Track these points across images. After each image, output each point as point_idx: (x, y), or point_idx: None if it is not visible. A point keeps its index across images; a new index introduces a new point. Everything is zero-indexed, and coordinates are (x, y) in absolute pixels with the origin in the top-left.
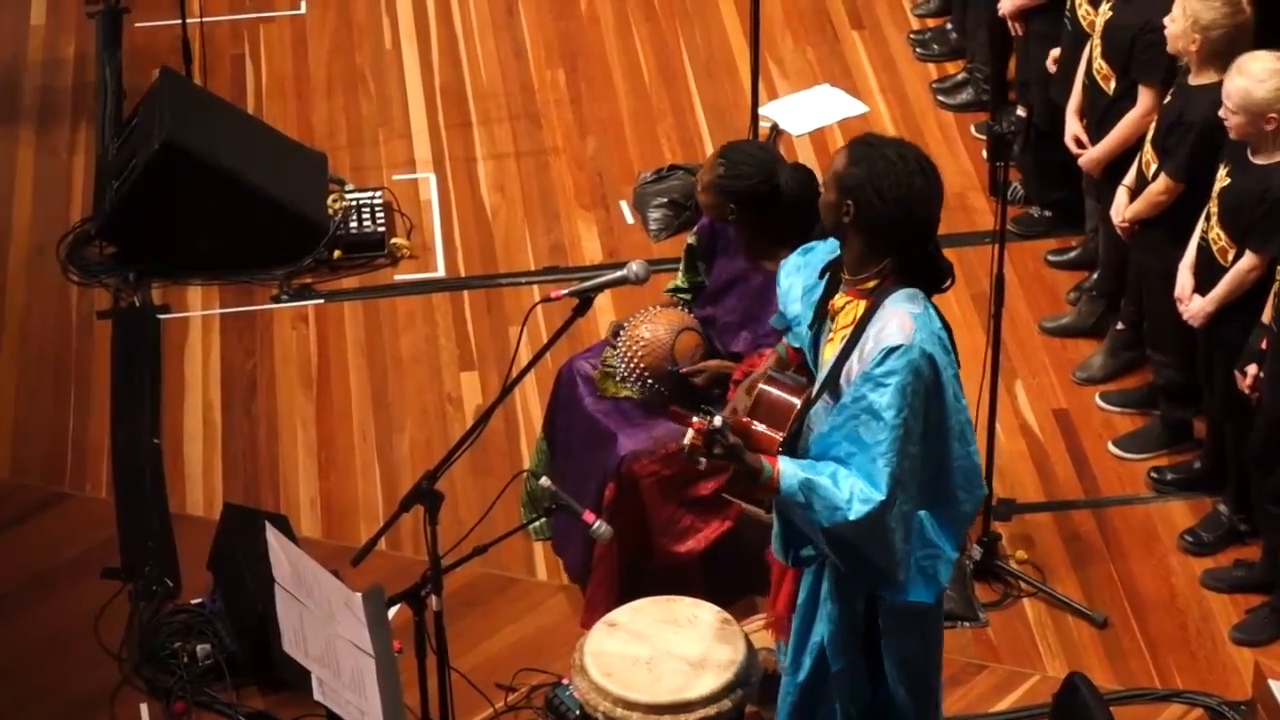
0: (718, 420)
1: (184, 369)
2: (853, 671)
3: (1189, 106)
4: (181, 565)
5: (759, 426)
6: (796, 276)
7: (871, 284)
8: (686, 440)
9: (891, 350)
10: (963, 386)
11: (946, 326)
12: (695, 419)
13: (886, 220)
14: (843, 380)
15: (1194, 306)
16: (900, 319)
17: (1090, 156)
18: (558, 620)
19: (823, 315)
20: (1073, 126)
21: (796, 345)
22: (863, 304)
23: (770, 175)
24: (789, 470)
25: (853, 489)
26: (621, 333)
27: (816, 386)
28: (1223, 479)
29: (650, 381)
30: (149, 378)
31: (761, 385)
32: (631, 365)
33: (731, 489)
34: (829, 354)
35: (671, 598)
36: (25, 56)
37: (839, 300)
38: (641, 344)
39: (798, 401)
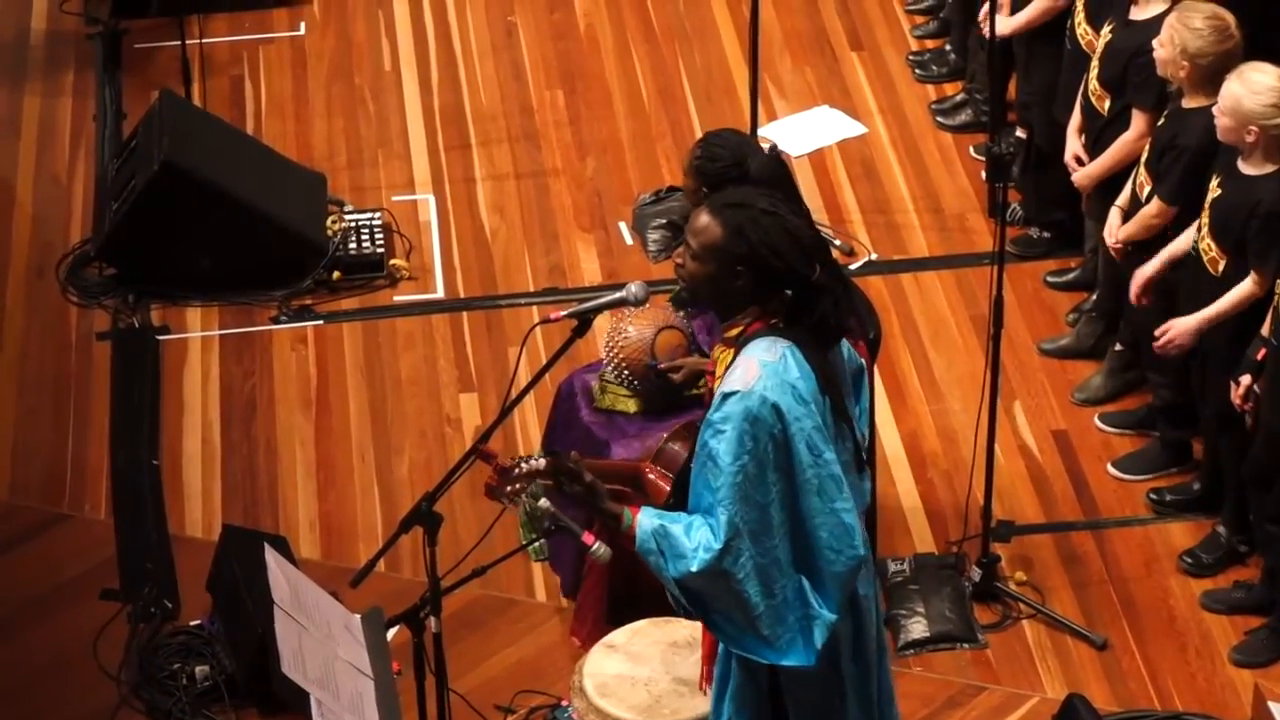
0: (536, 461)
1: (183, 390)
2: None
3: (1182, 130)
4: (180, 586)
5: (653, 475)
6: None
7: (735, 332)
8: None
9: (727, 396)
10: (827, 439)
11: (823, 377)
12: (499, 460)
13: (785, 271)
14: None
15: (1180, 325)
16: (746, 366)
17: (1085, 173)
18: (557, 642)
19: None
20: (1073, 145)
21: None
22: (731, 353)
23: (740, 159)
24: (646, 520)
25: (700, 539)
26: (609, 330)
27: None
28: (1222, 500)
29: (630, 377)
30: (148, 399)
31: (666, 437)
32: (614, 360)
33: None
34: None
35: (669, 619)
36: (24, 76)
37: (717, 350)
38: (624, 338)
39: (686, 453)
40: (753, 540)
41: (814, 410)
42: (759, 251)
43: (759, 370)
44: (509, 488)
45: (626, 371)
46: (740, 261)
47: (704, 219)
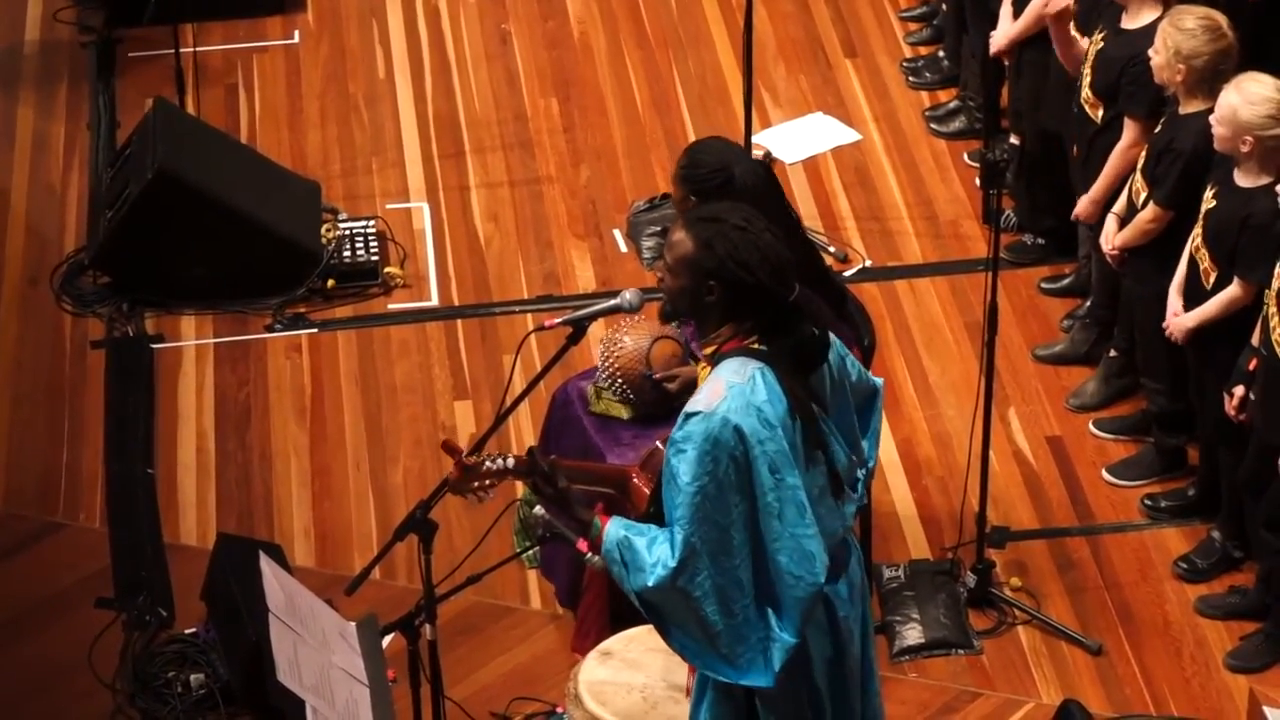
0: (506, 460)
1: (178, 398)
2: None
3: (1178, 135)
4: (175, 595)
5: (639, 482)
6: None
7: (710, 350)
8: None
9: (691, 415)
10: (792, 463)
11: (796, 400)
12: (462, 456)
13: (754, 288)
14: None
15: (1177, 320)
16: (713, 386)
17: (1088, 198)
18: (552, 649)
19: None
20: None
21: None
22: (707, 371)
23: (725, 167)
24: (613, 530)
25: (659, 555)
26: (605, 340)
27: None
28: (1216, 505)
29: (624, 387)
30: (143, 407)
31: (657, 443)
32: (609, 370)
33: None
34: None
35: None
36: (18, 85)
37: (699, 368)
38: (619, 348)
39: None
40: (711, 560)
41: (780, 434)
42: (727, 266)
43: (724, 391)
44: (475, 483)
45: (621, 382)
46: (711, 276)
47: (678, 234)
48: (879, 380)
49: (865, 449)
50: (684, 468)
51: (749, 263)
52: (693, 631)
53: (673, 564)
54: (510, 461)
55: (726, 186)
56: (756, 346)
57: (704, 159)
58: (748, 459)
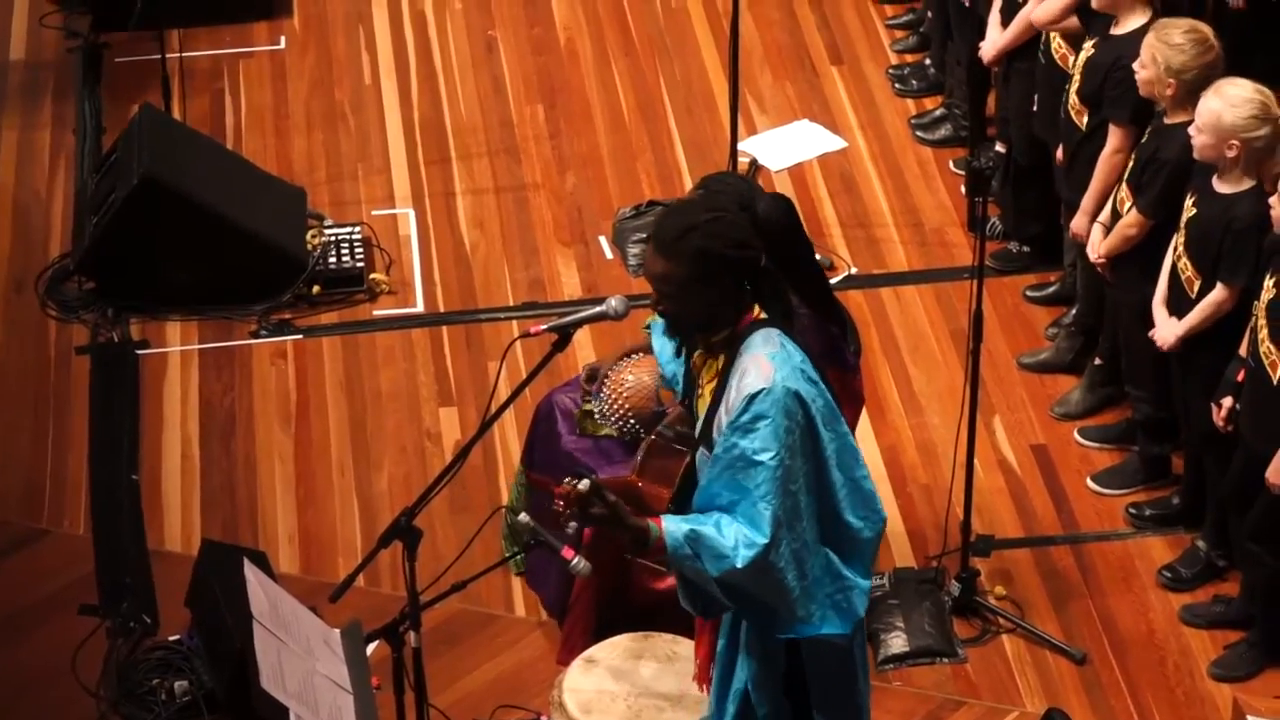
0: (584, 484)
1: (162, 404)
2: (778, 716)
3: (1164, 144)
4: (159, 601)
5: (647, 484)
6: (668, 336)
7: (723, 335)
8: (555, 505)
9: (753, 396)
10: (837, 412)
11: (809, 355)
12: (560, 485)
13: (752, 262)
14: (715, 433)
15: (1163, 332)
16: (758, 364)
17: (1081, 210)
18: (536, 657)
19: (691, 377)
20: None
21: (682, 400)
22: (722, 356)
23: (748, 203)
24: (672, 527)
25: (737, 536)
26: (605, 380)
27: (696, 441)
28: (1201, 514)
29: (635, 425)
30: (127, 413)
31: (647, 444)
32: (617, 410)
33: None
34: (701, 409)
35: (649, 634)
36: (4, 90)
37: (698, 359)
38: (627, 388)
39: (684, 457)
40: (789, 529)
41: (822, 388)
42: (729, 257)
43: (770, 364)
44: (570, 511)
45: (632, 420)
46: (715, 277)
47: (661, 263)
48: None
49: None
50: (760, 444)
51: (744, 240)
52: (772, 600)
53: (764, 540)
54: (584, 483)
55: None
56: (761, 316)
57: (723, 198)
58: (809, 420)
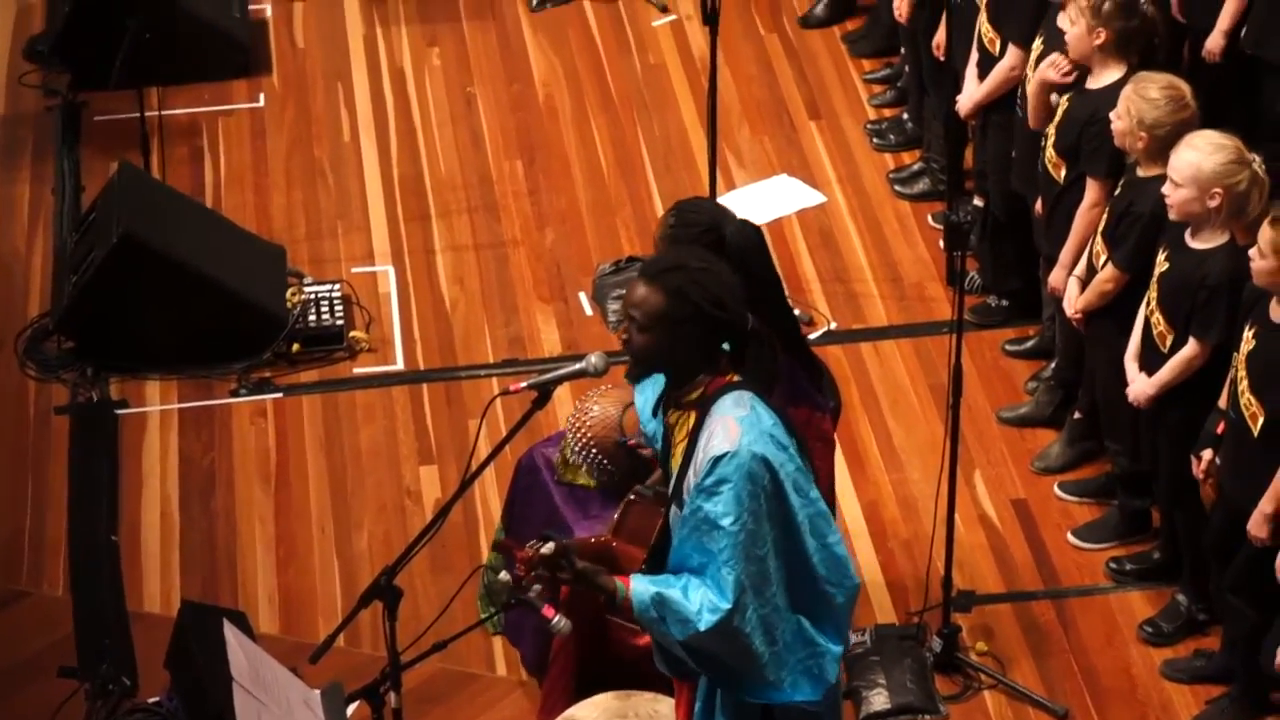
0: (548, 547)
1: (142, 464)
2: None
3: (1138, 198)
4: (139, 663)
5: (622, 544)
6: (650, 392)
7: (695, 394)
8: (516, 570)
9: (718, 459)
10: (811, 477)
11: (784, 420)
12: (523, 549)
13: (729, 324)
14: (685, 493)
15: (1135, 388)
16: (725, 425)
17: (1060, 263)
18: (517, 716)
19: (667, 435)
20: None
21: (659, 458)
22: (693, 416)
23: (717, 225)
24: (640, 588)
25: (702, 600)
26: (573, 411)
27: (668, 500)
28: (1181, 568)
29: (598, 455)
30: (106, 473)
31: (625, 503)
32: (581, 440)
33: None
34: (674, 468)
35: (630, 692)
36: None
37: (672, 416)
38: (591, 418)
39: (660, 516)
40: (756, 594)
41: (793, 453)
42: (704, 308)
43: (738, 427)
44: (533, 574)
45: (595, 451)
46: (687, 322)
47: (641, 290)
48: None
49: None
50: (722, 509)
51: (723, 300)
52: (738, 665)
53: (726, 606)
54: (547, 547)
55: (717, 246)
56: (735, 379)
57: (694, 217)
58: (776, 485)
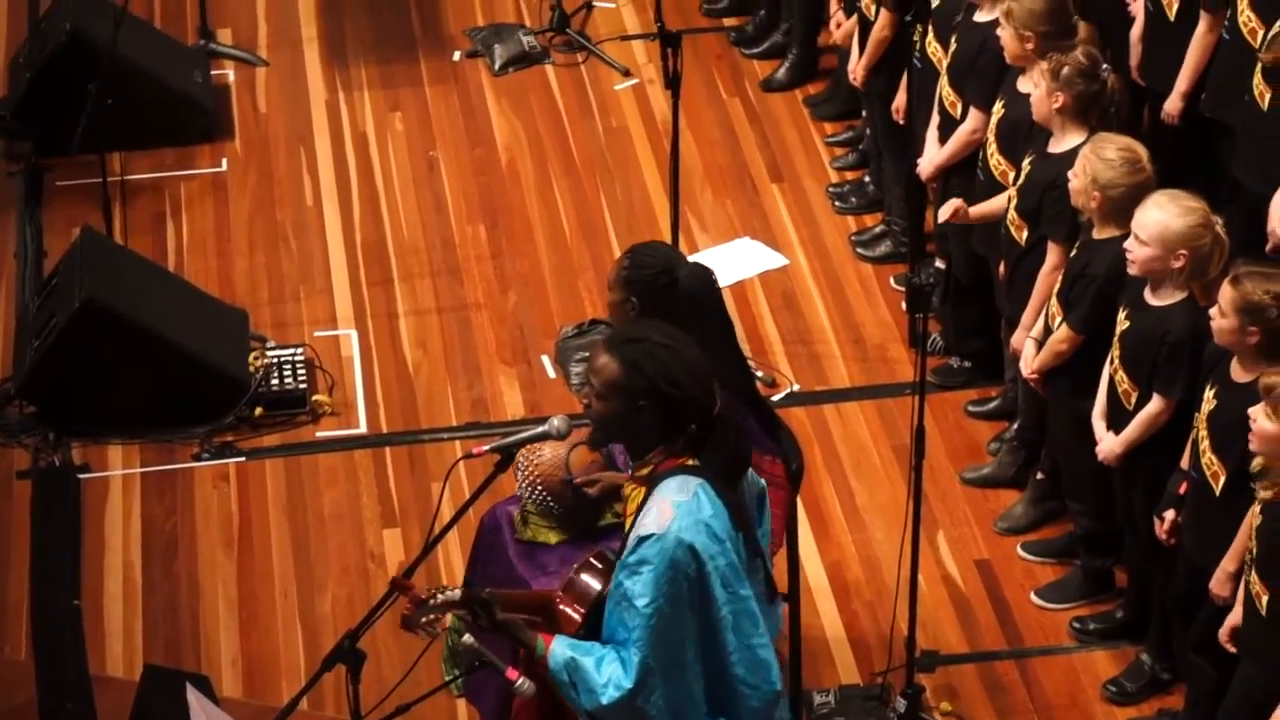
0: (453, 592)
1: (104, 529)
2: None
3: (1093, 260)
4: None
5: (564, 606)
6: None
7: (646, 470)
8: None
9: (644, 539)
10: (741, 574)
11: (735, 511)
12: (413, 590)
13: (684, 405)
14: None
15: (1104, 447)
16: (660, 508)
17: (1021, 325)
18: None
19: (625, 505)
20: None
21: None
22: (642, 492)
23: (670, 268)
24: (559, 649)
25: (610, 674)
26: (524, 452)
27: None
28: (1145, 627)
29: (544, 494)
30: (69, 538)
31: (575, 568)
32: (529, 479)
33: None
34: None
35: None
36: None
37: (628, 488)
38: (539, 457)
39: (599, 586)
40: (665, 679)
41: (728, 547)
42: (657, 385)
43: (673, 511)
44: (424, 618)
45: (541, 489)
46: (641, 396)
47: (602, 358)
48: (762, 481)
49: None
50: (639, 589)
51: (678, 380)
52: None
53: (628, 685)
54: (456, 593)
55: (670, 289)
56: (690, 463)
57: (648, 260)
58: (702, 575)
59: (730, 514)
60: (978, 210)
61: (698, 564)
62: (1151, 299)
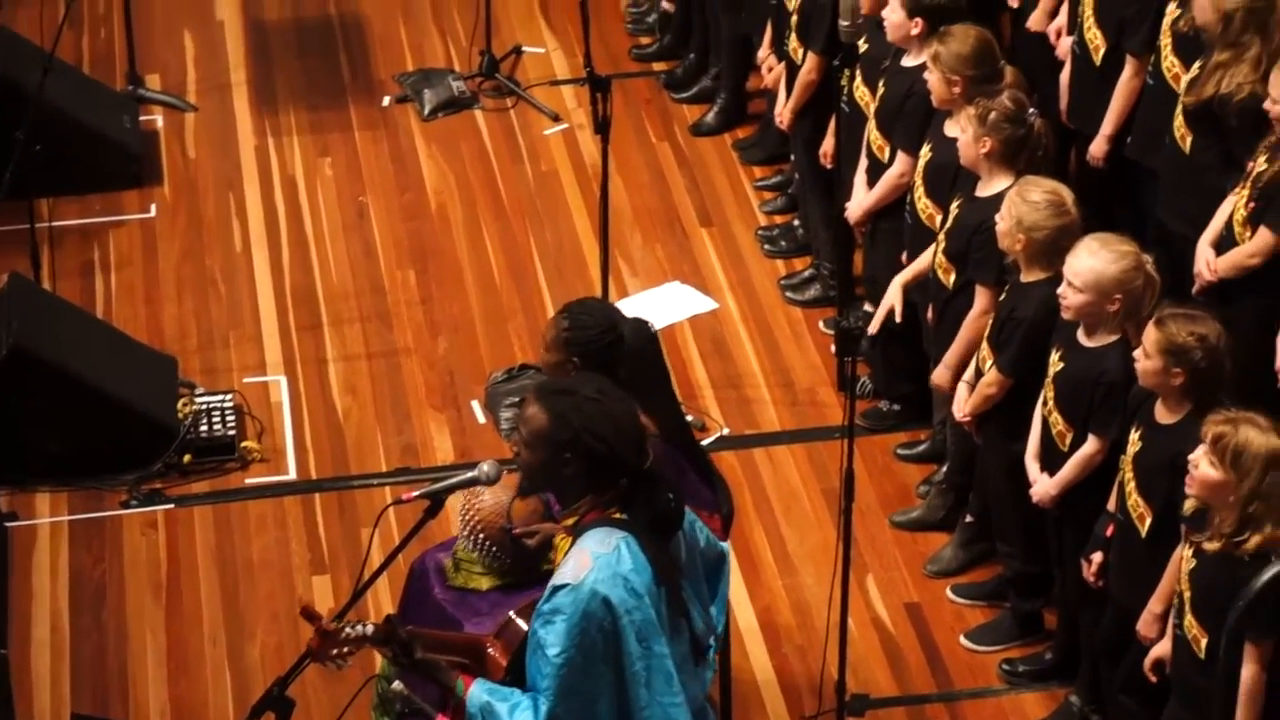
0: (366, 627)
1: (31, 577)
2: None
3: (1020, 303)
4: None
5: (493, 650)
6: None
7: (571, 520)
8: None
9: (559, 588)
10: (658, 630)
11: (659, 568)
12: (322, 621)
13: (610, 459)
14: None
15: (1039, 489)
16: (579, 558)
17: (944, 364)
18: None
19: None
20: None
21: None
22: (570, 541)
23: (613, 326)
24: (476, 693)
25: None
26: (465, 497)
27: None
28: (1074, 669)
29: (487, 542)
30: None
31: (513, 612)
32: (471, 526)
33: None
34: None
35: None
36: None
37: (558, 537)
38: (480, 503)
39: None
40: None
41: (647, 603)
42: (582, 438)
43: (591, 562)
44: (334, 651)
45: (482, 536)
46: (566, 448)
47: (531, 407)
48: (725, 545)
49: (713, 615)
50: (552, 639)
51: (604, 435)
52: None
53: None
54: (370, 629)
55: (614, 347)
56: (618, 516)
57: (587, 320)
58: (616, 629)
59: (654, 570)
60: (911, 269)
61: (612, 617)
62: (1085, 340)
